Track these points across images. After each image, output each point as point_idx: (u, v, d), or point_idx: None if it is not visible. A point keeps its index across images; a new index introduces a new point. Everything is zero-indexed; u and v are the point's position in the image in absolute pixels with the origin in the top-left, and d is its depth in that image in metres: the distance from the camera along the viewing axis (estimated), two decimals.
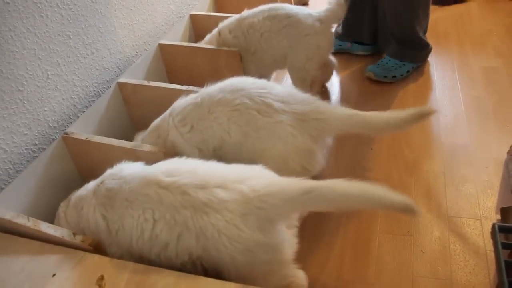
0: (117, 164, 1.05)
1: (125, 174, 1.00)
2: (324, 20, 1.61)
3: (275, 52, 1.66)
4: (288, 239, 0.94)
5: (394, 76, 1.94)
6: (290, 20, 1.60)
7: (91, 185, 1.06)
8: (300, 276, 1.06)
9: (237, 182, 0.91)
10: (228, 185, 0.90)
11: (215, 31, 1.74)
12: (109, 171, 1.04)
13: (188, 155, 1.20)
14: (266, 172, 0.96)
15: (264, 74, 1.72)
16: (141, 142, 1.31)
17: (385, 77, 1.94)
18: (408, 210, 0.85)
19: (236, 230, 0.87)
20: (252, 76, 1.27)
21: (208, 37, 1.77)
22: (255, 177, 0.93)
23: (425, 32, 1.99)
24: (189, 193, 0.90)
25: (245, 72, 1.68)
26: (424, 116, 1.10)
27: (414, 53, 1.96)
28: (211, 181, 0.91)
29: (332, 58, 1.83)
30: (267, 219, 0.88)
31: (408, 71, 1.95)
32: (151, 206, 0.92)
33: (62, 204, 1.13)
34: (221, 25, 1.72)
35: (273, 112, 1.13)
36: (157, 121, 1.30)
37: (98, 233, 0.99)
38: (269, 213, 0.87)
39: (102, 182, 1.01)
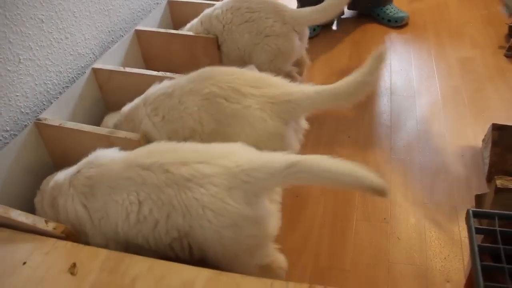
0: (92, 152, 1.03)
1: (104, 161, 0.98)
2: (289, 22, 1.52)
3: (237, 47, 1.59)
4: (272, 212, 0.94)
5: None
6: (251, 16, 1.54)
7: (62, 175, 1.03)
8: (280, 258, 1.06)
9: (219, 157, 0.91)
10: (211, 161, 0.90)
11: (195, 20, 1.72)
12: (84, 160, 1.02)
13: None
14: (248, 148, 0.96)
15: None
16: (114, 127, 1.29)
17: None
18: (383, 193, 0.85)
19: (222, 204, 0.87)
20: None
21: (188, 26, 1.74)
22: (238, 152, 0.93)
23: None
24: (171, 171, 0.90)
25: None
26: (382, 59, 1.07)
27: None
28: (193, 158, 0.91)
29: (306, 57, 1.76)
30: (252, 193, 0.88)
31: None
32: (135, 188, 0.92)
33: (37, 194, 1.12)
34: (201, 14, 1.69)
35: (241, 97, 1.11)
36: (131, 108, 1.27)
37: (79, 224, 0.97)
38: (254, 187, 0.88)
39: (79, 171, 0.99)
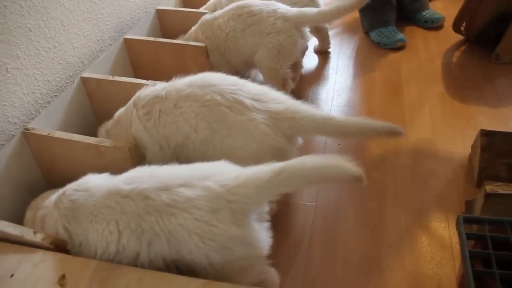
0: (83, 177, 1.01)
1: (90, 186, 0.96)
2: (290, 19, 1.56)
3: (242, 52, 1.63)
4: (262, 231, 0.92)
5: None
6: (253, 19, 1.58)
7: (55, 194, 1.01)
8: (272, 273, 1.05)
9: (201, 179, 0.89)
10: (193, 183, 0.88)
11: (193, 29, 1.75)
12: (74, 183, 1.00)
13: (149, 149, 1.18)
14: (231, 166, 0.94)
15: (237, 73, 1.70)
16: (106, 134, 1.28)
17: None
18: (361, 180, 0.87)
19: (207, 227, 0.84)
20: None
21: (187, 35, 1.77)
22: (220, 172, 0.91)
23: None
24: (151, 197, 0.87)
25: (216, 70, 1.66)
26: (394, 134, 1.10)
27: None
28: (174, 182, 0.89)
29: (301, 61, 1.80)
30: (240, 212, 0.86)
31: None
32: (114, 217, 0.89)
33: (28, 210, 1.10)
34: (198, 23, 1.72)
35: (245, 109, 1.10)
36: (121, 111, 1.26)
37: None
38: (242, 205, 0.86)
39: (64, 193, 0.97)
